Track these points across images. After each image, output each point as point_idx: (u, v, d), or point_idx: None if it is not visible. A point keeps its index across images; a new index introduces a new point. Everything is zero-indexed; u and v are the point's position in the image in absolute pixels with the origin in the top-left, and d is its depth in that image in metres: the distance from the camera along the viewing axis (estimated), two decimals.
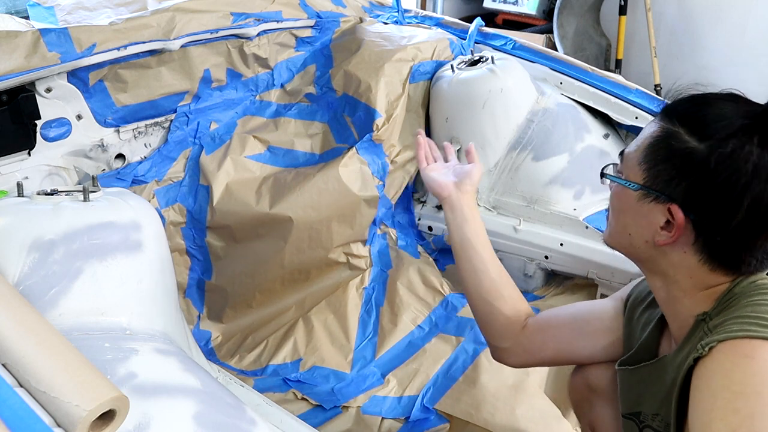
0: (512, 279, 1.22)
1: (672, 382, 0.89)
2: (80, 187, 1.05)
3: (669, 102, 0.92)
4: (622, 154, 0.98)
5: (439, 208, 2.09)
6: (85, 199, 1.01)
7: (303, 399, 1.63)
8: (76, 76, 1.58)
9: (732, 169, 0.80)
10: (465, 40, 2.22)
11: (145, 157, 1.79)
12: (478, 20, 2.25)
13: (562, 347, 1.14)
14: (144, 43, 1.64)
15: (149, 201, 1.73)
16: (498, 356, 1.22)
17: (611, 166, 1.00)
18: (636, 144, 0.93)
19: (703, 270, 0.87)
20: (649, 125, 0.93)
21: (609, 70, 3.26)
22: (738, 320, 0.79)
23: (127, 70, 1.67)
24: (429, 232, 2.11)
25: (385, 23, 2.29)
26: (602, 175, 0.99)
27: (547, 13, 3.59)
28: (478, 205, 2.05)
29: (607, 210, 1.01)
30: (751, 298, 0.82)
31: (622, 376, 1.05)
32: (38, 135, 1.54)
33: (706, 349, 0.78)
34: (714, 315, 0.85)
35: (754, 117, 0.83)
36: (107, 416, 0.64)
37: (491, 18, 3.77)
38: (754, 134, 0.80)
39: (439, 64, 2.10)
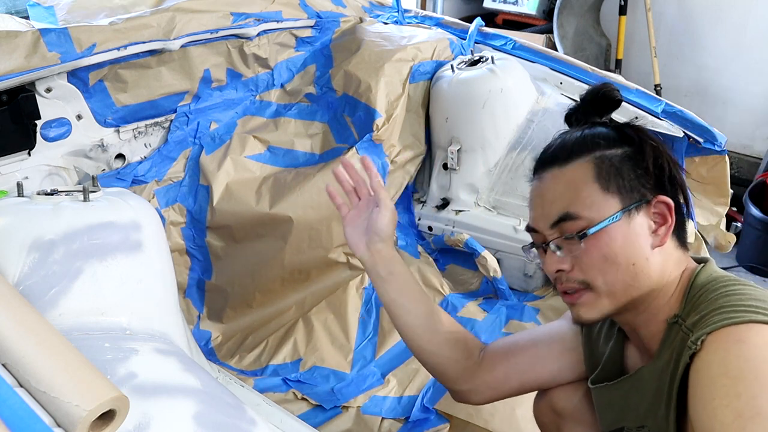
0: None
1: (656, 390, 0.89)
2: (80, 187, 1.05)
3: (540, 158, 0.99)
4: (533, 229, 0.97)
5: (439, 208, 2.09)
6: (85, 199, 1.01)
7: (303, 399, 1.62)
8: (76, 76, 1.58)
9: (656, 150, 0.92)
10: (465, 40, 2.22)
11: (145, 157, 1.79)
12: (478, 20, 2.25)
13: (526, 374, 1.11)
14: (144, 43, 1.64)
15: (149, 201, 1.73)
16: (461, 398, 1.16)
17: (532, 248, 0.99)
18: (563, 202, 0.92)
19: (677, 256, 0.92)
20: (553, 180, 0.94)
21: (609, 70, 3.25)
22: (717, 312, 0.81)
23: (127, 70, 1.67)
24: (429, 232, 2.11)
25: (385, 23, 2.29)
26: (579, 237, 0.89)
27: (547, 13, 3.59)
28: (478, 204, 2.05)
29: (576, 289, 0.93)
30: (717, 291, 0.85)
31: (599, 394, 1.04)
32: (38, 135, 1.54)
33: (699, 343, 0.79)
34: (685, 315, 0.86)
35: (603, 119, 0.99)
36: (107, 416, 0.64)
37: (491, 18, 3.76)
38: (624, 127, 0.95)
39: (439, 64, 2.10)
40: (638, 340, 0.97)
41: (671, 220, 0.90)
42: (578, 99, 1.01)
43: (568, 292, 0.94)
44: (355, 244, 1.15)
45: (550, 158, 0.96)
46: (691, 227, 1.91)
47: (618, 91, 0.97)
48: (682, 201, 0.94)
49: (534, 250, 0.99)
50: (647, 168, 0.91)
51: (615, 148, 0.92)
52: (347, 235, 1.16)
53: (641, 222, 0.90)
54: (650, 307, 0.92)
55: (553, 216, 0.92)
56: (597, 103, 0.98)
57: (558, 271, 0.93)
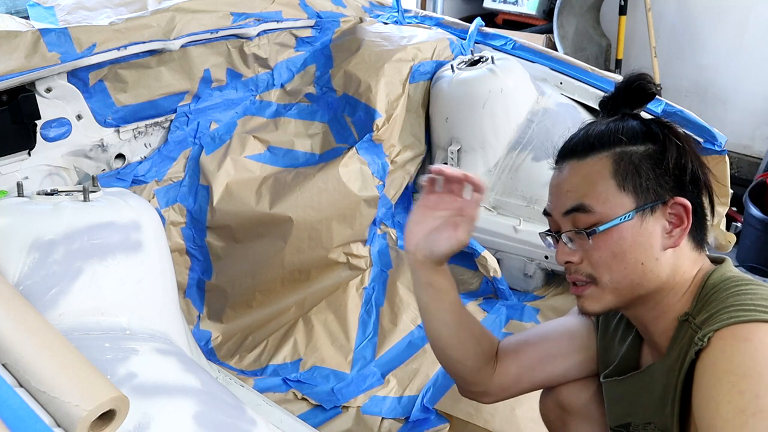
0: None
1: (664, 387, 0.89)
2: (80, 187, 1.05)
3: (563, 147, 0.99)
4: (548, 213, 0.97)
5: None
6: (85, 199, 1.01)
7: (303, 399, 1.63)
8: (76, 76, 1.58)
9: (681, 150, 0.90)
10: (465, 40, 2.22)
11: (145, 157, 1.79)
12: (478, 20, 2.25)
13: (536, 373, 1.11)
14: (144, 43, 1.64)
15: (149, 201, 1.73)
16: (472, 397, 1.16)
17: (548, 235, 0.97)
18: (577, 193, 0.91)
19: (693, 257, 0.92)
20: (572, 171, 0.94)
21: (609, 70, 3.25)
22: (726, 310, 0.81)
23: (127, 70, 1.67)
24: None
25: (385, 23, 2.29)
26: (587, 234, 0.89)
27: (547, 13, 3.59)
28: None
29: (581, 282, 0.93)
30: (728, 290, 0.85)
31: (609, 388, 1.04)
32: (38, 135, 1.54)
33: (705, 340, 0.80)
34: (695, 313, 0.87)
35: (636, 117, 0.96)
36: (107, 416, 0.64)
37: (491, 18, 3.77)
38: (651, 123, 0.93)
39: (439, 64, 2.10)
40: (649, 337, 0.96)
41: (687, 223, 0.89)
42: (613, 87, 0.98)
43: (576, 284, 0.95)
44: (408, 234, 1.07)
45: (571, 150, 0.96)
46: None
47: (653, 83, 0.94)
48: (706, 202, 0.93)
49: (549, 237, 0.99)
50: (668, 168, 0.89)
51: (637, 145, 0.90)
52: (408, 223, 1.07)
53: (655, 222, 0.89)
54: (660, 305, 0.91)
55: (567, 205, 0.93)
56: (630, 94, 0.95)
57: (567, 262, 0.94)
